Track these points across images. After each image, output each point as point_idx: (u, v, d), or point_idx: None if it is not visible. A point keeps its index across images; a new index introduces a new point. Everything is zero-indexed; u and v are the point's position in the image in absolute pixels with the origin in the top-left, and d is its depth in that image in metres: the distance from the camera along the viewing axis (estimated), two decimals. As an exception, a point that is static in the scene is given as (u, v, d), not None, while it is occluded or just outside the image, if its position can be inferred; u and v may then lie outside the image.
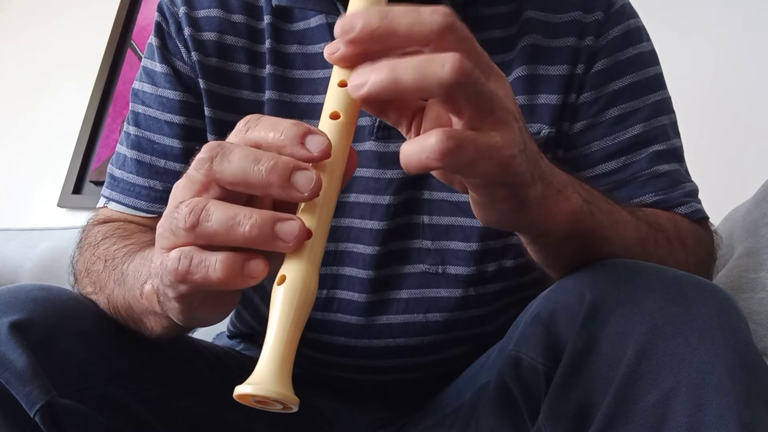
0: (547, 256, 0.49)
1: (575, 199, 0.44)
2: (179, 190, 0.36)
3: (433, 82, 0.33)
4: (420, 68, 0.33)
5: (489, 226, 0.42)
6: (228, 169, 0.34)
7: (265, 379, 0.32)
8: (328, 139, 0.35)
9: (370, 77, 0.34)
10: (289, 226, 0.33)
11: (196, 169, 0.35)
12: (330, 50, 0.37)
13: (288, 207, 0.37)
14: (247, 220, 0.33)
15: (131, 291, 0.47)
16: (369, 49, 0.35)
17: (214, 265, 0.34)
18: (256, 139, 0.35)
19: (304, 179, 0.34)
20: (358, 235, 0.62)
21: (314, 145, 0.34)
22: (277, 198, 0.35)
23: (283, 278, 0.34)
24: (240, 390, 0.32)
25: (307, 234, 0.34)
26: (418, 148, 0.34)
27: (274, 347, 0.33)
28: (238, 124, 0.37)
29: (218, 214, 0.34)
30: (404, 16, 0.34)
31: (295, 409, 0.33)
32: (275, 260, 0.36)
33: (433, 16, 0.34)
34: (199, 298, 0.38)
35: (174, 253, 0.35)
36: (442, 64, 0.33)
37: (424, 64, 0.33)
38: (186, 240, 0.35)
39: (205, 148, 0.35)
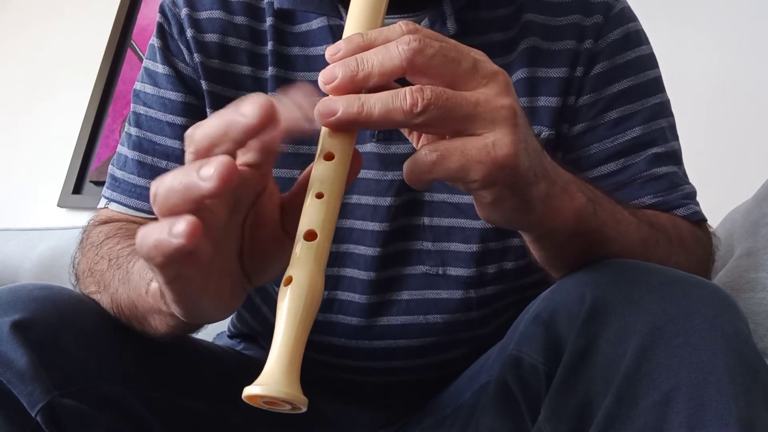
0: (549, 255, 0.49)
1: (580, 197, 0.44)
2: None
3: (398, 115, 0.35)
4: (386, 102, 0.35)
5: (493, 224, 0.43)
6: (198, 133, 0.34)
7: (274, 380, 0.32)
8: (347, 147, 0.36)
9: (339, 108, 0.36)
10: (206, 170, 0.32)
11: (186, 148, 0.36)
12: (331, 52, 0.38)
13: (294, 209, 0.37)
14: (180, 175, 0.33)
15: (136, 289, 0.47)
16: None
17: (149, 232, 0.33)
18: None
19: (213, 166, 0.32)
20: (359, 237, 0.62)
21: (247, 108, 0.33)
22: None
23: (290, 279, 0.34)
24: (249, 391, 0.32)
25: (310, 236, 0.34)
26: (411, 165, 0.37)
27: (282, 348, 0.33)
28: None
29: (168, 180, 0.33)
30: (375, 56, 0.36)
31: (304, 409, 0.33)
32: (276, 256, 0.36)
33: (400, 46, 0.36)
34: (195, 287, 0.37)
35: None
36: (403, 97, 0.35)
37: (390, 98, 0.35)
38: (157, 213, 0.35)
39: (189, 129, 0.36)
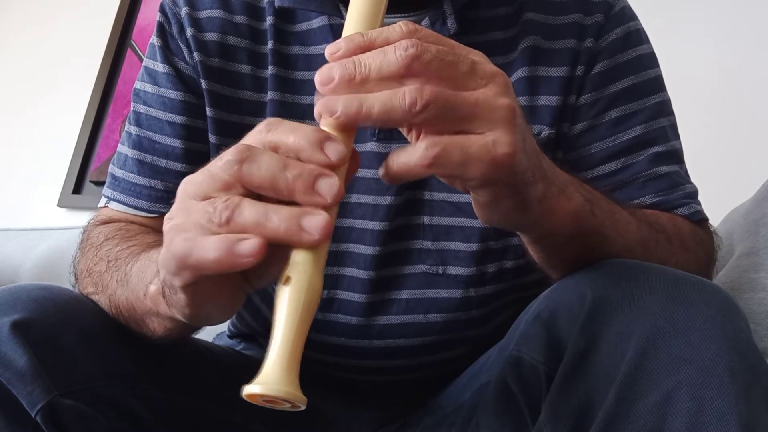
0: (548, 256, 0.49)
1: (577, 198, 0.44)
2: (196, 186, 0.36)
3: (398, 114, 0.35)
4: (385, 102, 0.36)
5: (490, 225, 0.43)
6: (257, 173, 0.35)
7: (274, 379, 0.32)
8: (346, 147, 0.36)
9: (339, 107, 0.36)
10: (315, 220, 0.34)
11: (223, 170, 0.35)
12: (331, 50, 0.38)
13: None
14: (274, 215, 0.34)
15: (135, 292, 0.47)
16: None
17: (210, 245, 0.34)
18: (275, 142, 0.36)
19: (327, 185, 0.35)
20: (359, 236, 0.62)
21: (332, 151, 0.35)
22: (299, 202, 0.35)
23: (288, 278, 0.34)
24: (249, 390, 0.32)
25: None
26: (406, 158, 0.37)
27: (281, 347, 0.33)
28: (258, 125, 0.37)
29: (249, 211, 0.34)
30: (373, 60, 0.36)
31: (303, 407, 0.33)
32: (277, 260, 0.36)
33: (398, 51, 0.36)
34: (206, 291, 0.37)
35: (179, 239, 0.35)
36: (402, 97, 0.35)
37: (389, 98, 0.36)
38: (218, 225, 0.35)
39: (232, 151, 0.36)
